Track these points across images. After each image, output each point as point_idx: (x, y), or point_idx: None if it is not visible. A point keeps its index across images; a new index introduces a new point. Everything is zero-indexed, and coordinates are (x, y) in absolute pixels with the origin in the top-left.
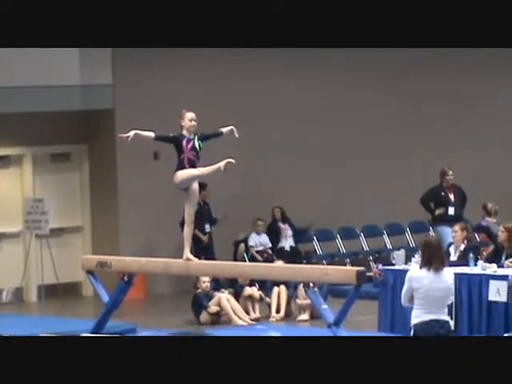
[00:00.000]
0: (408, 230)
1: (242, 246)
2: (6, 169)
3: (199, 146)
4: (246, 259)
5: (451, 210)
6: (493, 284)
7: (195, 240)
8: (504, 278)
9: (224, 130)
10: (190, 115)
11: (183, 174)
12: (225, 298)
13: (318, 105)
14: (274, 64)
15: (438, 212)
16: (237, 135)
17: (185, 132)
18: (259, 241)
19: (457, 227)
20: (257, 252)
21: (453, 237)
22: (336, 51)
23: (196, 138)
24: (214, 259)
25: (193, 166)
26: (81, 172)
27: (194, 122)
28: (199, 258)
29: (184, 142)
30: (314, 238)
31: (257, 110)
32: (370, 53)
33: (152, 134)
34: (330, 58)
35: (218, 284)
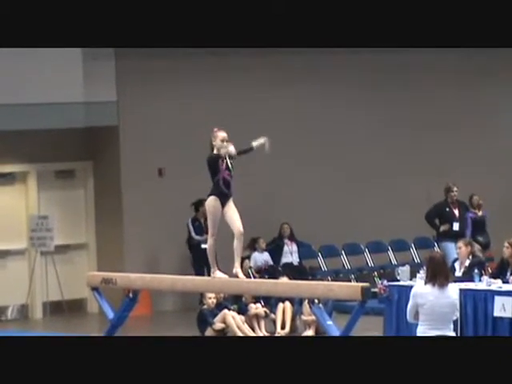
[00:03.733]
0: (413, 245)
1: (247, 262)
2: (10, 186)
3: (231, 165)
4: (251, 276)
5: (456, 226)
6: (498, 300)
7: (198, 251)
8: (509, 293)
9: (255, 144)
10: (222, 135)
11: (210, 214)
12: (230, 315)
13: (321, 121)
14: (282, 77)
15: (443, 228)
16: (267, 149)
17: (216, 152)
18: (262, 259)
19: (461, 243)
20: (256, 268)
21: (457, 253)
22: (337, 67)
23: (227, 157)
24: None
25: (228, 186)
26: (85, 189)
27: (225, 143)
28: (201, 269)
29: (219, 162)
30: (319, 254)
31: (262, 126)
32: (372, 68)
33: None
34: (331, 74)
35: (221, 305)
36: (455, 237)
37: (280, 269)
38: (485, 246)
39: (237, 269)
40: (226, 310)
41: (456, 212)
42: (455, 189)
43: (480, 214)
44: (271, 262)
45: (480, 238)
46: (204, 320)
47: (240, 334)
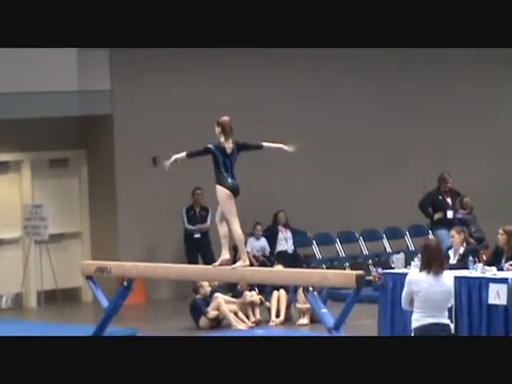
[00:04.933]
0: (407, 233)
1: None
2: (4, 175)
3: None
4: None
5: (450, 214)
6: (492, 287)
7: (191, 240)
8: (504, 280)
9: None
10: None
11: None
12: (224, 302)
13: (318, 111)
14: (277, 69)
15: (437, 216)
16: (290, 149)
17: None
18: (259, 245)
19: (453, 232)
20: (253, 257)
21: (452, 241)
22: (336, 61)
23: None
24: (213, 261)
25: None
26: (79, 177)
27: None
28: (194, 258)
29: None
30: (314, 242)
31: (256, 116)
32: (371, 60)
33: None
34: (330, 67)
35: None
36: (449, 225)
37: (274, 257)
38: (479, 240)
39: (244, 260)
40: (218, 294)
41: (449, 200)
42: (450, 180)
43: (467, 212)
44: (268, 249)
45: (474, 233)
46: (197, 309)
47: (234, 322)
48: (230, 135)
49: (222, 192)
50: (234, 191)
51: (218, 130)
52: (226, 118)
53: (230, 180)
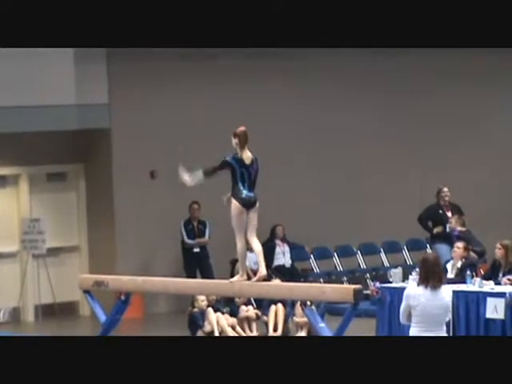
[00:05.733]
0: (405, 247)
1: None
2: (2, 189)
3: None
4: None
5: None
6: (490, 301)
7: (190, 254)
8: (501, 295)
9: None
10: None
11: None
12: (223, 317)
13: (317, 122)
14: (272, 81)
15: (436, 230)
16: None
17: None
18: (254, 258)
19: (460, 244)
20: (250, 270)
21: (454, 251)
22: (337, 69)
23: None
24: (212, 275)
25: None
26: (77, 191)
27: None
28: (193, 273)
29: None
30: (311, 255)
31: (254, 128)
32: (370, 72)
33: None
34: (329, 75)
35: (212, 308)
36: (449, 239)
37: (271, 271)
38: (480, 255)
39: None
40: (219, 313)
41: (449, 214)
42: (445, 189)
43: (464, 229)
44: None
45: (475, 246)
46: (195, 323)
47: (232, 336)
48: (247, 146)
49: (233, 205)
50: (246, 205)
51: (234, 141)
52: (242, 129)
53: (244, 193)
